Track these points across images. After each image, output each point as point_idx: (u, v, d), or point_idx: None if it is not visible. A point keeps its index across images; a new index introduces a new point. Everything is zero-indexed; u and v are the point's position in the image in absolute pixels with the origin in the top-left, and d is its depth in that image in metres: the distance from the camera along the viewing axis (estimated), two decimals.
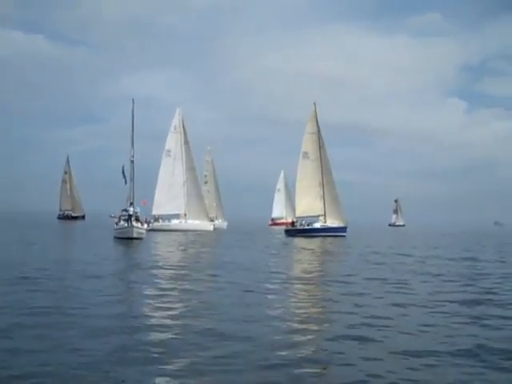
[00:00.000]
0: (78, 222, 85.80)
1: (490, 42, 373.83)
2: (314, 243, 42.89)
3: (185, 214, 64.04)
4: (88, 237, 45.90)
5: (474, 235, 79.03)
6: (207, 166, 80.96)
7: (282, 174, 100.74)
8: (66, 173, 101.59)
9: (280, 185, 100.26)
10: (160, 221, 60.82)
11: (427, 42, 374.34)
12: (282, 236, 54.04)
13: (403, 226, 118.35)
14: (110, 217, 47.07)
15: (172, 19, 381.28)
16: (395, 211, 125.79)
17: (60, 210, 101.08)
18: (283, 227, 65.02)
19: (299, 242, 44.52)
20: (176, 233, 54.06)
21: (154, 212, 61.44)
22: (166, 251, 32.45)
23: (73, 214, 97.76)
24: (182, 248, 35.61)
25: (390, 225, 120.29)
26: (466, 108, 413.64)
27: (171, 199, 62.93)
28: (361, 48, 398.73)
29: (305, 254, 33.00)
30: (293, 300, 14.66)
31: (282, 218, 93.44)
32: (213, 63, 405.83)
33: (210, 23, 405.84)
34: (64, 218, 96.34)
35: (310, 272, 22.52)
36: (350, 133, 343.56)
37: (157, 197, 63.16)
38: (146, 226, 45.19)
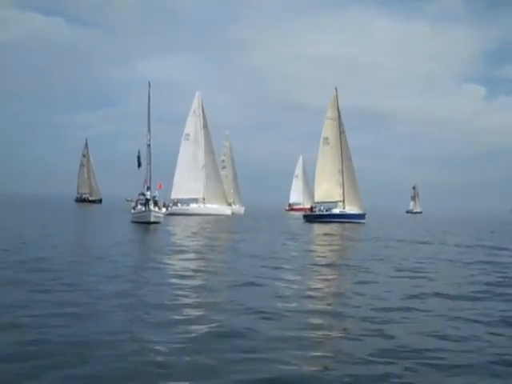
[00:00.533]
0: (95, 206, 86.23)
1: (510, 28, 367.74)
2: (333, 229, 42.48)
3: (203, 199, 63.99)
4: (105, 221, 45.87)
5: (492, 223, 77.88)
6: (225, 150, 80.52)
7: (300, 160, 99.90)
8: (84, 156, 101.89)
9: (298, 170, 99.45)
10: (179, 205, 60.78)
11: (445, 28, 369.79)
12: (300, 221, 53.79)
13: (420, 212, 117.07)
14: (127, 201, 47.08)
15: (187, 3, 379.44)
16: (413, 198, 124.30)
17: (77, 193, 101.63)
18: (300, 213, 64.79)
19: (318, 227, 44.15)
20: (194, 217, 54.04)
21: (173, 196, 61.52)
22: (183, 235, 32.21)
23: (90, 198, 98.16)
24: (200, 232, 35.33)
25: (407, 211, 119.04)
26: (485, 94, 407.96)
27: (190, 183, 62.88)
28: (378, 32, 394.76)
29: (325, 240, 32.68)
30: (307, 287, 14.19)
31: (299, 204, 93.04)
32: (228, 48, 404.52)
33: (226, 7, 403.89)
34: (81, 201, 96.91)
35: (332, 258, 22.21)
36: (365, 118, 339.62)
37: (176, 181, 63.21)
38: (164, 210, 45.00)
